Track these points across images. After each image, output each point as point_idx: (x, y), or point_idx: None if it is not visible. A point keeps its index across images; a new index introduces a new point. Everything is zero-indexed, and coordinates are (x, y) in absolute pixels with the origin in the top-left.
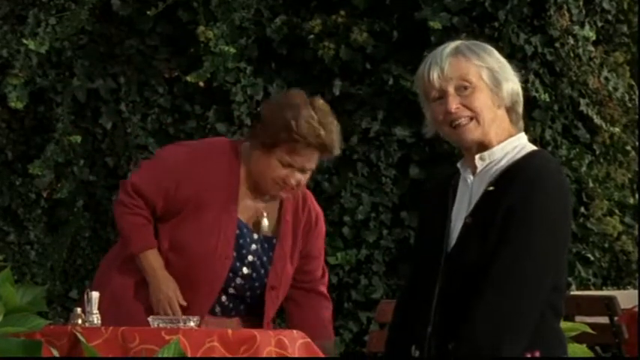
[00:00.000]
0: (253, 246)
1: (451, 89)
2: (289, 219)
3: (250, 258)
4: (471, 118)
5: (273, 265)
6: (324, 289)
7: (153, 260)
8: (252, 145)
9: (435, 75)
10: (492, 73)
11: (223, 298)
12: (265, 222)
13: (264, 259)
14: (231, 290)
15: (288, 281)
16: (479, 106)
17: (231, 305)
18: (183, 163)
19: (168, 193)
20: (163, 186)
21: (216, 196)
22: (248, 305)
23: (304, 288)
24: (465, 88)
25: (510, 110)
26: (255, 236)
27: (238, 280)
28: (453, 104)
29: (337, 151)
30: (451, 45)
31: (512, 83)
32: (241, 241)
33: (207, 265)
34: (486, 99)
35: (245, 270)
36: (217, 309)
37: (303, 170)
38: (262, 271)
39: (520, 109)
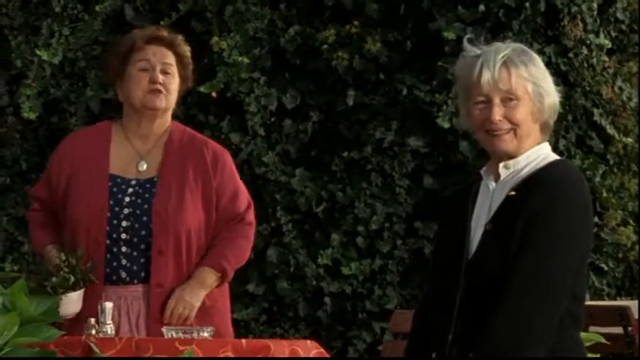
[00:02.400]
0: (130, 189)
1: (497, 99)
2: (174, 159)
3: (127, 199)
4: (510, 130)
5: (157, 193)
6: (245, 225)
7: (48, 254)
8: (118, 87)
9: (485, 80)
10: (538, 88)
11: (116, 249)
12: (143, 165)
13: (147, 195)
14: (123, 236)
15: (189, 211)
16: (520, 120)
17: (128, 264)
18: (59, 151)
19: (55, 183)
20: (52, 180)
21: (87, 161)
22: (148, 260)
23: (226, 227)
24: (511, 99)
25: (544, 123)
26: (134, 182)
27: (123, 223)
28: (497, 115)
29: (184, 49)
30: (503, 50)
31: (552, 97)
32: (115, 189)
33: (88, 223)
34: (528, 113)
35: (125, 210)
36: (122, 273)
37: (163, 69)
38: (146, 206)
39: (552, 122)
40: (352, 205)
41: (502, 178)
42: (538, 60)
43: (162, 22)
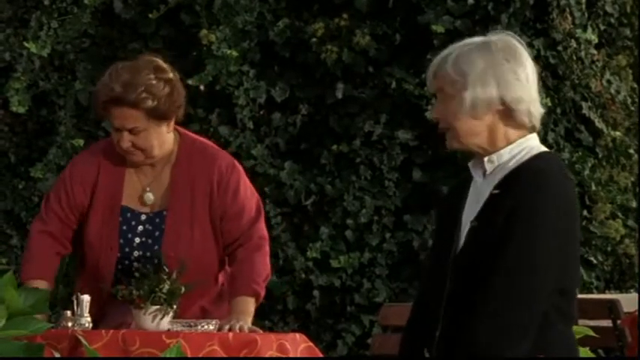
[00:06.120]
0: (140, 227)
1: (437, 96)
2: (182, 186)
3: (137, 240)
4: (447, 129)
5: (166, 234)
6: (255, 240)
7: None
8: None
9: (428, 77)
10: (469, 84)
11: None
12: (150, 197)
13: (157, 233)
14: (135, 274)
15: (199, 250)
16: (450, 116)
17: None
18: (73, 171)
19: (72, 203)
20: (64, 200)
21: (104, 190)
22: None
23: (236, 247)
24: (439, 96)
25: (506, 116)
26: (143, 217)
27: (135, 264)
28: (433, 113)
29: (147, 104)
30: (452, 50)
31: (492, 88)
32: (125, 227)
33: (98, 259)
34: (456, 109)
35: (135, 253)
36: None
37: (130, 131)
38: (156, 247)
39: (521, 114)
40: (341, 199)
41: (487, 172)
42: (486, 52)
43: (151, 15)
